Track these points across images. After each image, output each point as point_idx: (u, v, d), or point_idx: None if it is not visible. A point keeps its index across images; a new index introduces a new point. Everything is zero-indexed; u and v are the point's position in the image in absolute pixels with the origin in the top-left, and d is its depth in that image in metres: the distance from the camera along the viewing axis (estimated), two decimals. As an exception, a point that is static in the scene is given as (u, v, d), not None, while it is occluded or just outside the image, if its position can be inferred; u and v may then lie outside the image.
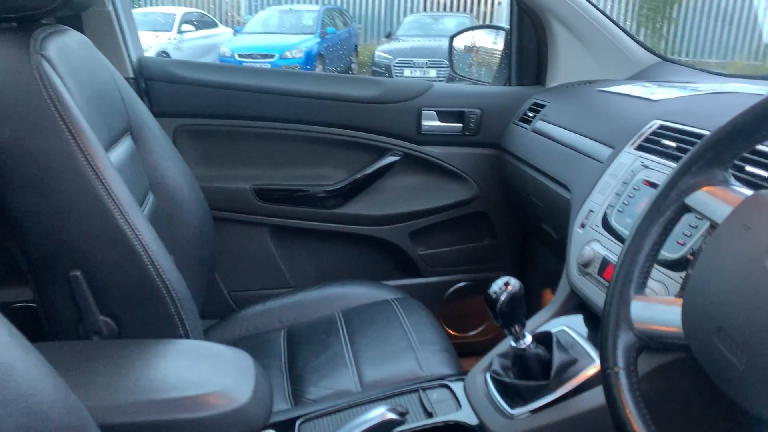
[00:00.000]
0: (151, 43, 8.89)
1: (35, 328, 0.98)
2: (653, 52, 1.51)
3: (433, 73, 8.76)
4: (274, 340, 1.26)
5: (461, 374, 1.11)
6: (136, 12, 11.13)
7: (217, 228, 1.43)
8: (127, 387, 0.77)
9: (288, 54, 9.26)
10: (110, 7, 1.39)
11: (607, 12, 1.52)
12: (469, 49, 1.91)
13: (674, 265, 0.77)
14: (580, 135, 1.20)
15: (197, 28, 10.37)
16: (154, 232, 0.96)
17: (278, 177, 1.58)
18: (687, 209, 0.63)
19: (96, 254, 0.90)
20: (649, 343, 0.63)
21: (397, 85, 1.61)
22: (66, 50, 0.96)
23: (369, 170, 1.60)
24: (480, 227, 1.69)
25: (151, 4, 12.91)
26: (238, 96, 1.52)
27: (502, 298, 0.84)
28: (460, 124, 1.59)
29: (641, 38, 2.01)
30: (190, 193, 1.29)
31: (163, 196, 1.23)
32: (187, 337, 0.98)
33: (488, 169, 1.62)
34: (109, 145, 1.04)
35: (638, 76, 1.47)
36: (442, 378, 1.08)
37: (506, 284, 0.86)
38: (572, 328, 0.96)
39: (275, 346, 1.24)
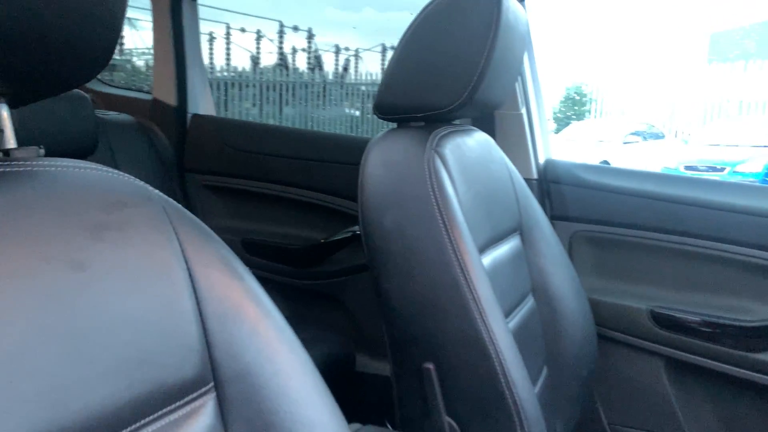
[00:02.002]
0: (594, 152, 9.14)
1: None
2: None
3: None
4: None
5: None
6: (582, 123, 11.68)
7: (602, 347, 1.27)
8: None
9: (742, 168, 8.30)
10: (522, 110, 1.43)
11: None
12: None
13: None
14: None
15: (644, 139, 10.26)
16: (512, 340, 0.89)
17: (683, 302, 1.33)
18: None
19: (449, 349, 0.88)
20: None
21: None
22: (462, 148, 1.00)
23: None
24: None
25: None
26: (647, 204, 1.36)
27: None
28: None
29: None
30: (576, 303, 1.19)
31: (544, 302, 1.16)
32: None
33: None
34: (492, 242, 1.03)
35: None
36: None
37: None
38: None
39: None
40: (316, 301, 1.74)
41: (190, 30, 1.81)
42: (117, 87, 2.08)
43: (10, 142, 0.49)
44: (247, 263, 1.72)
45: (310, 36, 9.61)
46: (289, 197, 1.72)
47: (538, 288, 1.16)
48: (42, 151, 0.50)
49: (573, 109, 13.72)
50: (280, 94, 8.41)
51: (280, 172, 1.72)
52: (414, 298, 0.89)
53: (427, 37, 0.95)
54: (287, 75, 8.71)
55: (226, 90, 7.93)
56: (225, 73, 8.22)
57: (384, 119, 1.01)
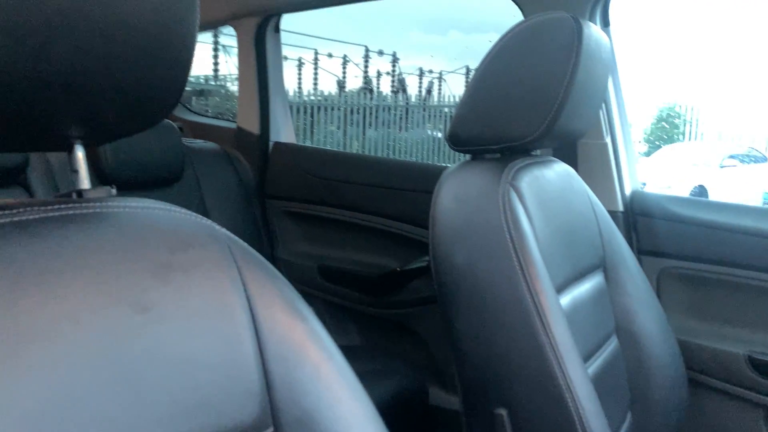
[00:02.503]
0: (689, 177, 8.70)
1: None
2: None
3: None
4: None
5: None
6: (676, 146, 11.18)
7: (693, 393, 1.18)
8: None
9: None
10: (607, 139, 1.37)
11: None
12: None
13: None
14: None
15: (743, 162, 9.67)
16: (591, 387, 0.84)
17: None
18: None
19: (523, 395, 0.84)
20: None
21: None
22: (540, 181, 0.96)
23: None
24: None
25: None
26: (745, 240, 1.26)
27: None
28: None
29: None
30: (664, 345, 1.11)
31: (628, 344, 1.09)
32: None
33: None
34: (572, 280, 0.98)
35: None
36: None
37: None
38: None
39: None
40: (390, 331, 1.72)
41: (274, 61, 1.86)
42: (204, 116, 2.17)
43: (84, 183, 0.50)
44: (323, 289, 1.75)
45: (395, 60, 9.74)
46: (366, 224, 1.72)
47: (623, 328, 1.10)
48: (114, 191, 0.51)
49: (665, 131, 13.13)
50: (364, 117, 8.55)
51: (357, 200, 1.72)
52: (486, 340, 0.86)
53: (504, 66, 0.92)
54: (371, 98, 8.84)
55: (312, 114, 8.14)
56: (312, 98, 8.45)
57: (457, 151, 0.99)
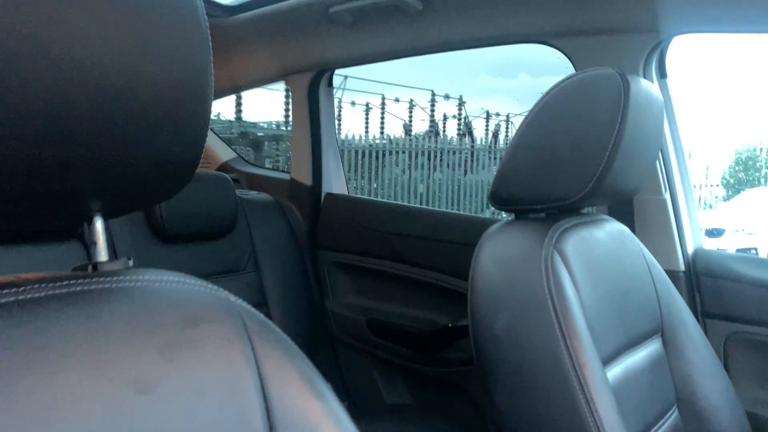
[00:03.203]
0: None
1: None
2: None
3: None
4: None
5: None
6: (757, 190, 10.59)
7: None
8: None
9: None
10: (666, 195, 1.30)
11: None
12: None
13: None
14: None
15: None
16: None
17: None
18: None
19: None
20: None
21: None
22: (588, 242, 0.92)
23: None
24: None
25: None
26: None
27: None
28: None
29: None
30: (730, 419, 1.03)
31: (690, 417, 1.01)
32: None
33: None
34: (625, 348, 0.92)
35: None
36: None
37: None
38: None
39: None
40: (441, 390, 1.67)
41: (326, 114, 1.89)
42: (259, 167, 2.22)
43: (101, 255, 0.50)
44: (372, 344, 1.71)
45: (461, 103, 9.79)
46: (416, 278, 1.69)
47: (684, 400, 1.01)
48: (131, 263, 0.51)
49: (745, 174, 12.50)
50: (429, 160, 8.58)
51: (407, 252, 1.70)
52: (526, 415, 0.81)
53: (548, 123, 0.90)
54: (437, 141, 8.89)
55: (378, 156, 8.24)
56: (378, 141, 8.57)
57: (500, 209, 0.96)
